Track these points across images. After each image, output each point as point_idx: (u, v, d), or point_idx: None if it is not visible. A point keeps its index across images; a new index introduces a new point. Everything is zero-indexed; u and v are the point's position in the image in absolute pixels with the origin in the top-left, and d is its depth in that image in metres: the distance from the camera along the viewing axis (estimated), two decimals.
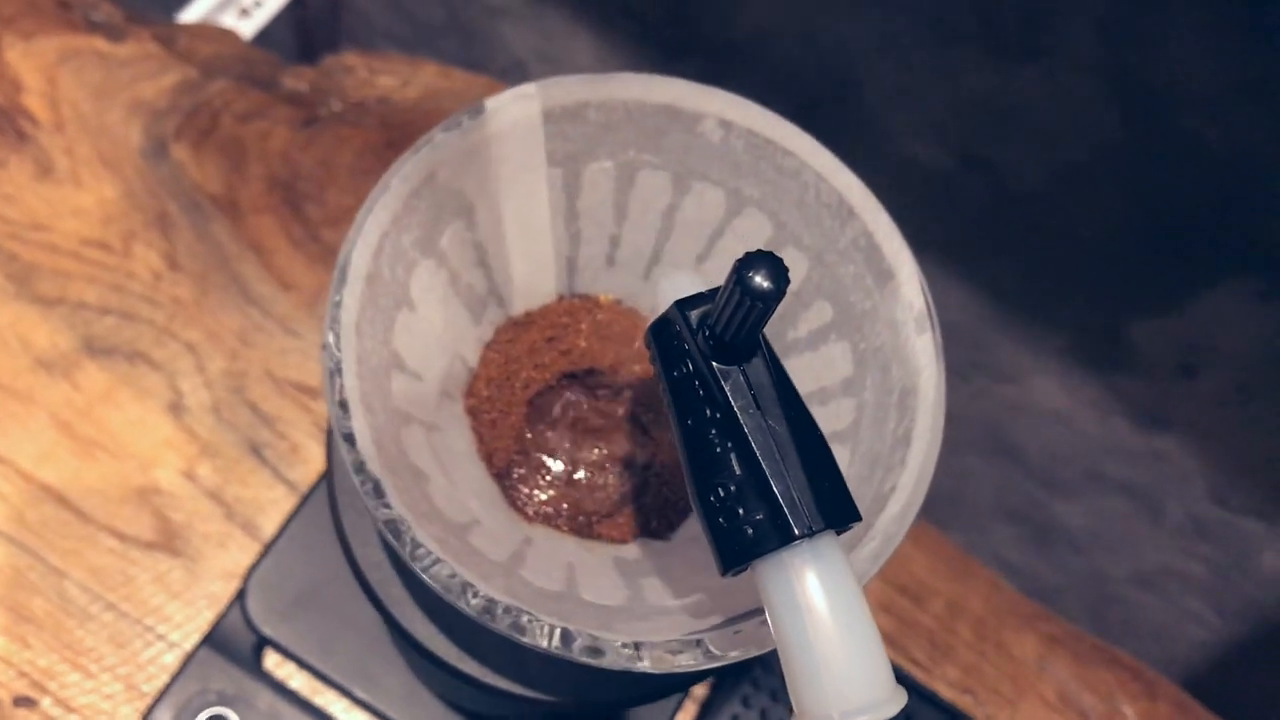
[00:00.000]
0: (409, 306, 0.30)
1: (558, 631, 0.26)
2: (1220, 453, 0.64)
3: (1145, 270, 0.59)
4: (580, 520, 0.32)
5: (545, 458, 0.32)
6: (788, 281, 0.22)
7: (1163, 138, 0.52)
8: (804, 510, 0.23)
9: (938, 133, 0.59)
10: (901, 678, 0.56)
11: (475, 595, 0.26)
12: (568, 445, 0.33)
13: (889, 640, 0.59)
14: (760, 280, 0.21)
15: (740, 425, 0.23)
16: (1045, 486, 0.75)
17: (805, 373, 0.33)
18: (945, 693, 0.59)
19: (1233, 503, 0.66)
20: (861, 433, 0.31)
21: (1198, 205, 0.54)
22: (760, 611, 0.27)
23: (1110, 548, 0.76)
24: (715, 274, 0.34)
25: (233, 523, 0.52)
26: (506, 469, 0.32)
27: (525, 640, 0.26)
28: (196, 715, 0.47)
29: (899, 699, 0.22)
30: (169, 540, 0.51)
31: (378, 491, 0.26)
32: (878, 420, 0.31)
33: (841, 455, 0.31)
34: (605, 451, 0.33)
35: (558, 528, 0.32)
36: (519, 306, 0.34)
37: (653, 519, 0.33)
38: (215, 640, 0.49)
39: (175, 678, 0.48)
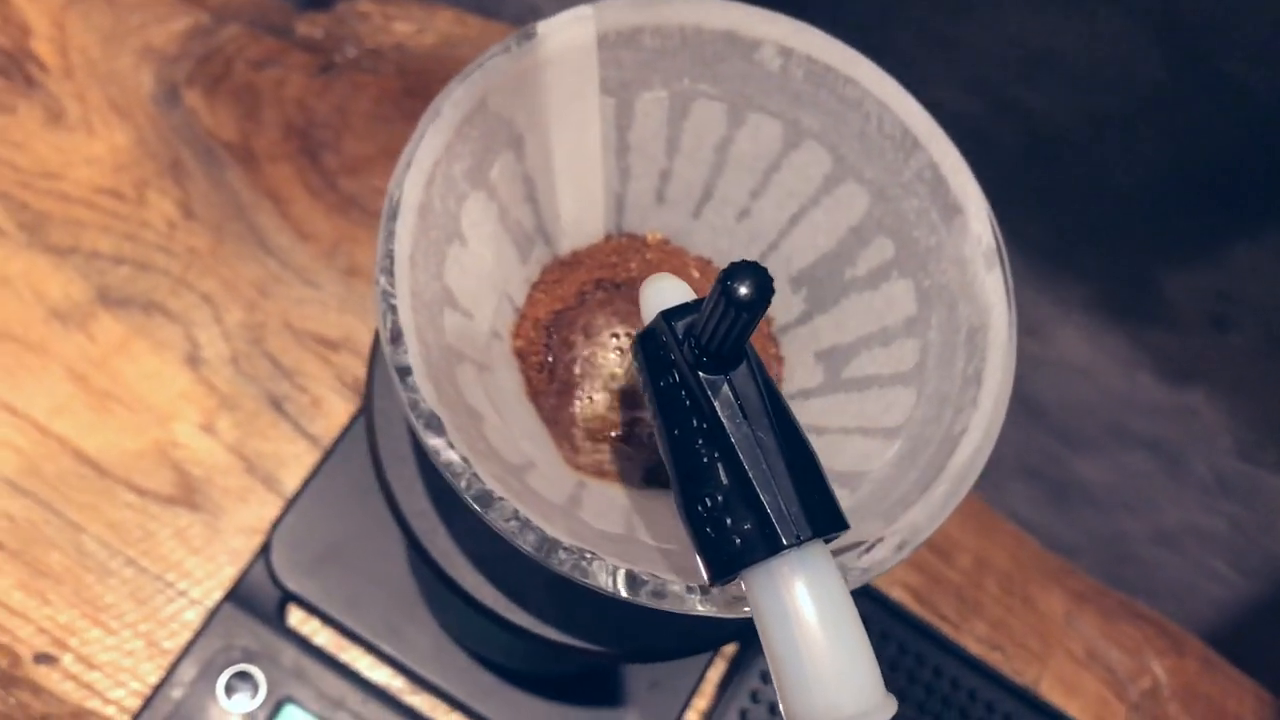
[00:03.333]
0: (460, 241, 0.29)
1: (621, 572, 0.25)
2: (1250, 408, 0.64)
3: (1179, 219, 0.58)
4: (629, 465, 0.31)
5: (593, 402, 0.31)
6: (772, 291, 0.22)
7: (1205, 82, 0.51)
8: (791, 519, 0.23)
9: (971, 79, 0.58)
10: (931, 635, 0.56)
11: (538, 535, 0.25)
12: (616, 391, 0.32)
13: (918, 597, 0.59)
14: (745, 290, 0.21)
15: (727, 435, 0.23)
16: (1066, 443, 0.74)
17: (865, 312, 0.32)
18: (974, 648, 0.58)
19: (1261, 459, 0.65)
20: (927, 373, 0.30)
21: (1239, 152, 0.53)
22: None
23: (1131, 505, 0.75)
24: (768, 214, 0.33)
25: (253, 477, 0.51)
26: (555, 414, 0.31)
27: (589, 582, 0.25)
28: (221, 672, 0.46)
29: (889, 707, 0.22)
30: (188, 495, 0.50)
31: (437, 428, 0.25)
32: (944, 360, 0.30)
33: (906, 397, 0.30)
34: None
35: (606, 474, 0.31)
36: (565, 246, 0.33)
37: None
38: (238, 596, 0.48)
39: (198, 635, 0.47)
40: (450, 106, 0.28)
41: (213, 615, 0.47)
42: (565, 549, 0.25)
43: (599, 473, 0.30)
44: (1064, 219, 0.62)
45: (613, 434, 0.31)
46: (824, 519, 0.23)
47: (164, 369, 0.51)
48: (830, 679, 0.22)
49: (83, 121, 0.54)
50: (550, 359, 0.31)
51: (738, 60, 0.31)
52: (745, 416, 0.23)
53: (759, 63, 0.31)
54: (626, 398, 0.31)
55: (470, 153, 0.29)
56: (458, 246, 0.29)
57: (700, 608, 0.25)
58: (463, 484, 0.25)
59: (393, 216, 0.27)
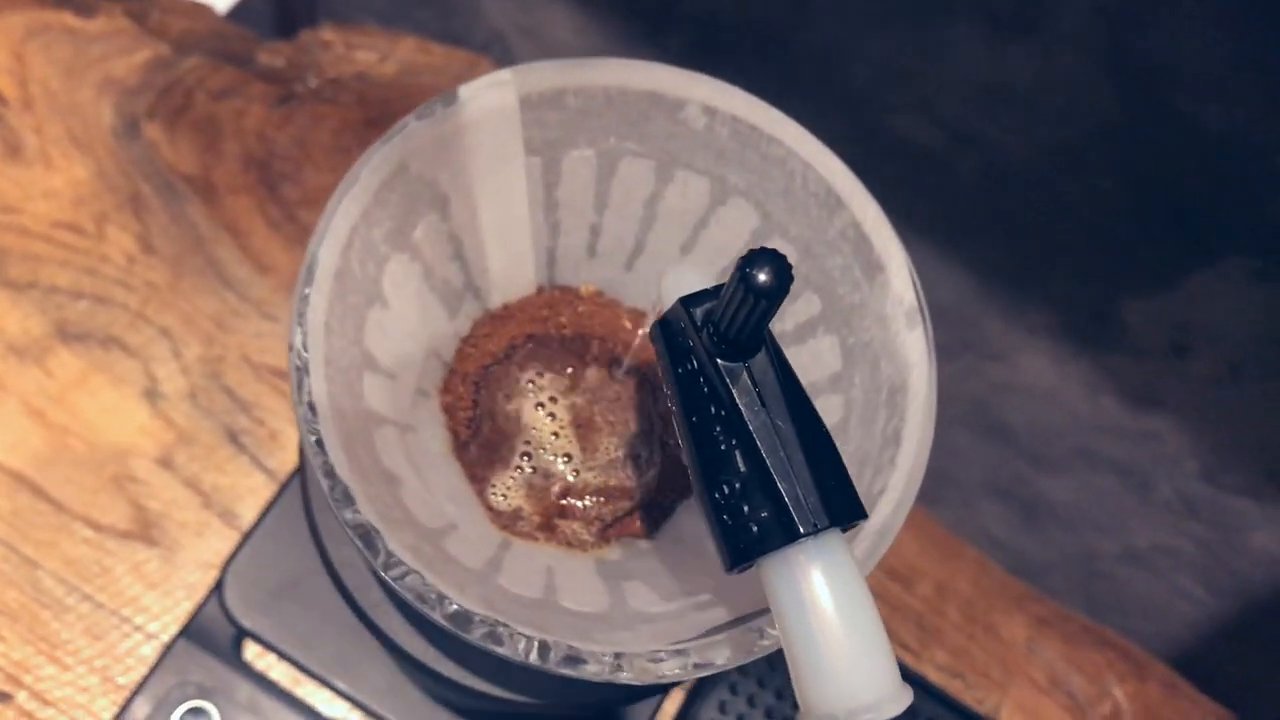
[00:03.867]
0: (381, 303, 0.29)
1: (535, 643, 0.25)
2: (1212, 432, 0.64)
3: (1138, 249, 0.58)
4: (558, 523, 0.31)
5: (522, 457, 0.32)
6: (791, 279, 0.21)
7: (1158, 116, 0.51)
8: (809, 508, 0.23)
9: (928, 109, 0.58)
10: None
11: (450, 606, 0.25)
12: (546, 443, 0.32)
13: None
14: (764, 277, 0.21)
15: (745, 423, 0.23)
16: (1033, 464, 0.74)
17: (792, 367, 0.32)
18: (934, 676, 0.58)
19: (1224, 482, 0.66)
20: (850, 430, 0.30)
21: (1193, 184, 0.53)
22: (747, 618, 0.26)
23: (1099, 525, 0.75)
24: (700, 265, 0.33)
25: (210, 511, 0.51)
26: (481, 470, 0.31)
27: (502, 652, 0.25)
28: (175, 708, 0.47)
29: (904, 698, 0.22)
30: (145, 529, 0.50)
31: (348, 499, 0.25)
32: (866, 418, 0.30)
33: None
34: (586, 448, 0.32)
35: (533, 533, 0.31)
36: (497, 299, 0.33)
37: (638, 520, 0.32)
38: (193, 631, 0.48)
39: (153, 670, 0.47)
40: (368, 172, 0.28)
41: (167, 650, 0.48)
42: (479, 619, 0.25)
43: (521, 532, 0.30)
44: (1025, 247, 0.62)
45: (538, 486, 0.31)
46: (842, 508, 0.23)
47: (122, 404, 0.51)
48: (846, 668, 0.22)
49: (41, 155, 0.55)
50: (477, 414, 0.31)
51: (663, 120, 0.31)
52: (764, 404, 0.23)
53: (684, 122, 0.31)
54: (554, 443, 0.32)
55: (390, 216, 0.29)
56: (379, 309, 0.29)
57: (619, 677, 0.25)
58: (375, 554, 0.25)
59: (307, 283, 0.27)
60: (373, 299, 0.29)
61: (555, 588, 0.28)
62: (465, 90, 0.29)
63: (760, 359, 0.24)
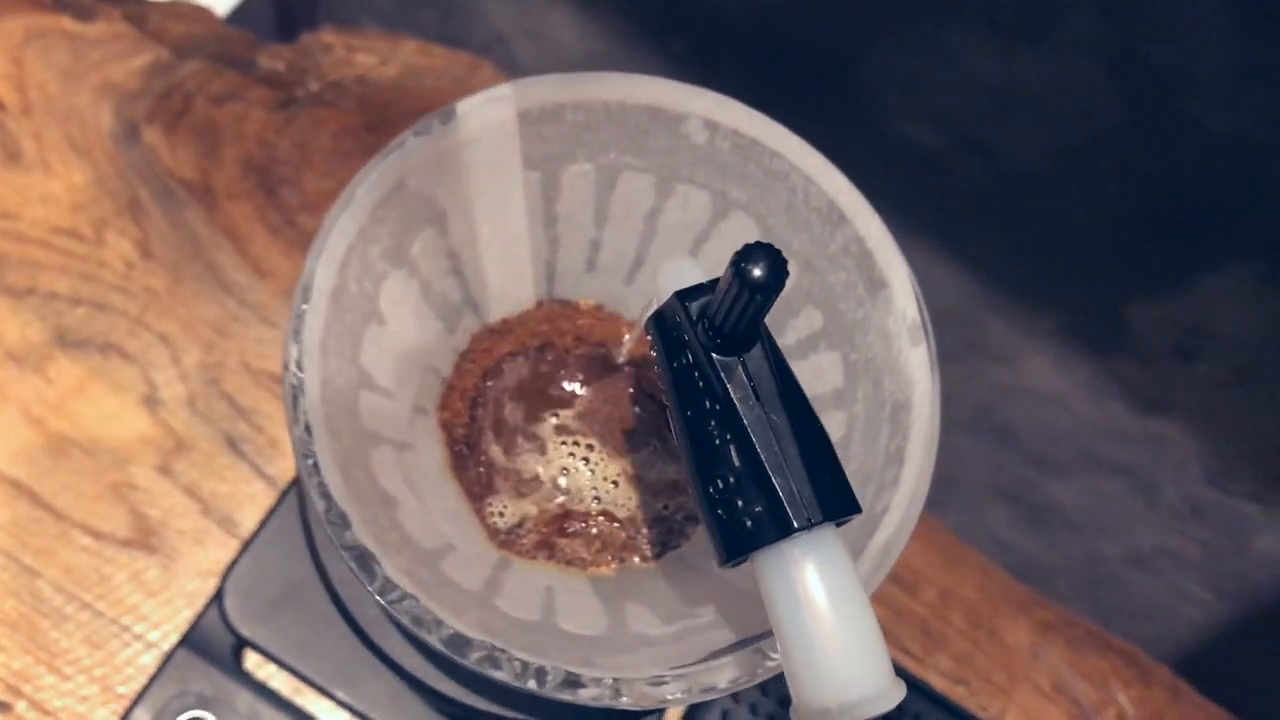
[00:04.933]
0: (378, 321, 0.29)
1: (533, 668, 0.25)
2: (1217, 437, 0.64)
3: (1143, 253, 0.58)
4: (558, 541, 0.31)
5: (520, 474, 0.31)
6: (787, 273, 0.21)
7: (1163, 121, 0.51)
8: (803, 502, 0.23)
9: (934, 113, 0.58)
10: (895, 669, 0.55)
11: (446, 630, 0.25)
12: (545, 461, 0.32)
13: (882, 631, 0.58)
14: (759, 272, 0.21)
15: (739, 417, 0.23)
16: (1038, 467, 0.74)
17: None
18: (938, 683, 0.58)
19: (1229, 486, 0.65)
20: (852, 447, 0.30)
21: (1198, 189, 0.53)
22: (749, 640, 0.26)
23: (1104, 528, 0.75)
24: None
25: (210, 519, 0.50)
26: (480, 488, 0.31)
27: (499, 676, 0.25)
28: (175, 718, 0.46)
29: (897, 692, 0.22)
30: (145, 538, 0.50)
31: (344, 522, 0.25)
32: (869, 435, 0.30)
33: None
34: (587, 464, 0.32)
35: (532, 552, 0.31)
36: (496, 314, 0.33)
37: (639, 539, 0.31)
38: (193, 640, 0.48)
39: (153, 679, 0.47)
40: (365, 190, 0.27)
41: (167, 660, 0.47)
42: (476, 644, 0.25)
43: (520, 551, 0.30)
44: (1031, 251, 0.62)
45: (537, 504, 0.31)
46: (836, 502, 0.23)
47: (121, 411, 0.51)
48: (839, 663, 0.22)
49: (40, 160, 0.54)
50: (475, 430, 0.31)
51: (663, 134, 0.30)
52: (758, 399, 0.23)
53: (685, 136, 0.30)
54: (553, 462, 0.31)
55: (388, 234, 0.28)
56: (376, 326, 0.29)
57: (613, 702, 0.25)
58: (371, 579, 0.25)
59: (303, 302, 0.26)
60: (369, 317, 0.28)
61: (554, 609, 0.28)
62: (463, 106, 0.29)
63: (755, 353, 0.24)
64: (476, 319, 0.32)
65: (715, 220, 0.32)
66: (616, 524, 0.31)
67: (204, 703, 0.47)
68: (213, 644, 0.48)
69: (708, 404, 0.24)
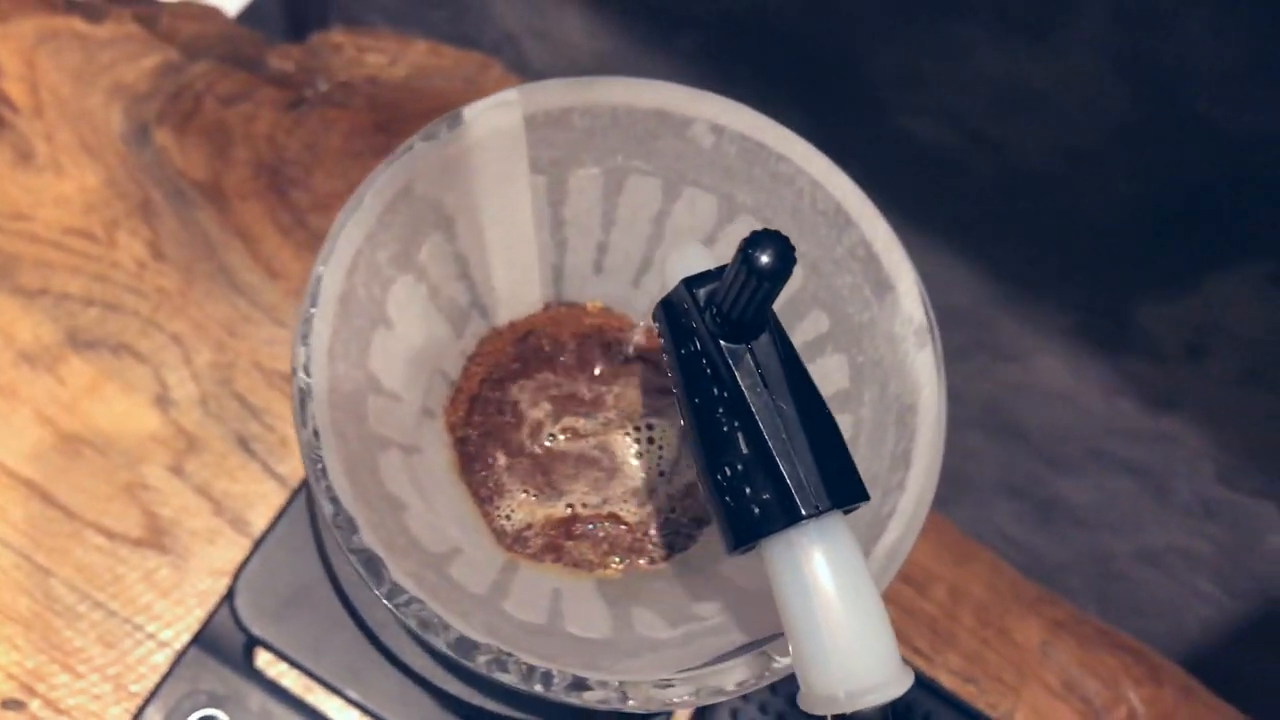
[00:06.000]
0: (386, 325, 0.29)
1: (539, 671, 0.25)
2: (1228, 435, 0.63)
3: (1154, 252, 0.58)
4: (565, 544, 0.31)
5: (528, 479, 0.31)
6: (794, 260, 0.22)
7: (1173, 119, 0.51)
8: (811, 490, 0.23)
9: (943, 111, 0.58)
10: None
11: (453, 634, 0.25)
12: (552, 464, 0.32)
13: None
14: (766, 258, 0.21)
15: (747, 404, 0.23)
16: (1049, 465, 0.74)
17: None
18: (947, 682, 0.58)
19: (1240, 484, 0.65)
20: (859, 450, 0.30)
21: (1208, 187, 0.53)
22: (757, 643, 0.26)
23: (1115, 526, 0.75)
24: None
25: (221, 518, 0.51)
26: (487, 491, 0.31)
27: (506, 679, 0.25)
28: (187, 716, 0.47)
29: (905, 679, 0.22)
30: (157, 537, 0.50)
31: (351, 526, 0.25)
32: (876, 438, 0.30)
33: None
34: (594, 467, 0.32)
35: (539, 555, 0.31)
36: (503, 317, 0.33)
37: (646, 542, 0.31)
38: (205, 639, 0.48)
39: (165, 678, 0.47)
40: (372, 195, 0.28)
41: (179, 658, 0.48)
42: (483, 647, 0.25)
43: (527, 554, 0.30)
44: (1041, 250, 0.62)
45: (545, 509, 0.31)
46: (843, 490, 0.23)
47: (133, 411, 0.51)
48: (847, 650, 0.22)
49: (52, 162, 0.55)
50: (483, 433, 0.31)
51: (670, 138, 0.30)
52: (766, 386, 0.23)
53: (691, 140, 0.30)
54: (561, 465, 0.31)
55: (395, 238, 0.29)
56: (384, 331, 0.29)
57: (620, 705, 0.25)
58: (379, 583, 0.25)
59: (310, 307, 0.27)
60: (377, 321, 0.28)
61: (561, 612, 0.28)
62: (470, 111, 0.29)
63: (763, 340, 0.24)
64: (484, 322, 0.32)
65: (722, 223, 0.32)
66: (624, 527, 0.31)
67: (216, 701, 0.47)
68: (224, 643, 0.48)
69: (715, 391, 0.24)
